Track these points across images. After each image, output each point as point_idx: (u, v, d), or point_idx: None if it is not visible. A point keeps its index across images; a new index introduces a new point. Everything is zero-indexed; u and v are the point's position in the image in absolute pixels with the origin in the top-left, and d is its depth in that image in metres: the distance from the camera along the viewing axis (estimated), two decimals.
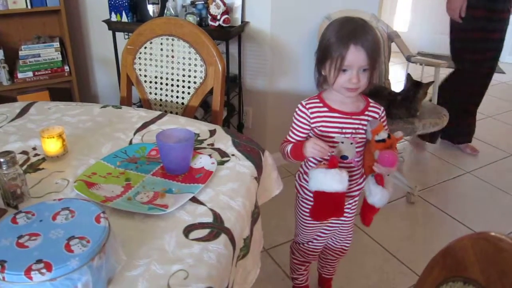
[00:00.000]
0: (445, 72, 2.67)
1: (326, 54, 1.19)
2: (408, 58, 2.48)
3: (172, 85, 1.71)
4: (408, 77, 2.28)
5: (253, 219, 1.05)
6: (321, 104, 1.27)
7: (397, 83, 2.63)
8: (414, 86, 2.21)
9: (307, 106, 1.27)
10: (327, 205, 1.26)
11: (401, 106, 2.20)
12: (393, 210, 2.34)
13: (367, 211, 1.32)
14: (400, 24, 5.33)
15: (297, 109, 1.29)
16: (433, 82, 2.31)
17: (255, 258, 1.09)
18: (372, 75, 1.20)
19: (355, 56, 1.14)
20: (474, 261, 0.55)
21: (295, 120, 1.30)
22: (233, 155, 1.18)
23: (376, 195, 1.25)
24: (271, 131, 2.58)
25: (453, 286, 0.58)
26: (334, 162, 1.22)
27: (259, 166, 1.17)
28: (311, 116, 1.26)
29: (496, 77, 4.66)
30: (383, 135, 1.22)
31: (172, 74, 1.70)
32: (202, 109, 2.36)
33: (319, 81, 1.28)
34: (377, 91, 2.24)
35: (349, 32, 1.16)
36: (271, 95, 2.52)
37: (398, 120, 2.18)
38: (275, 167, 1.29)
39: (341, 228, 1.50)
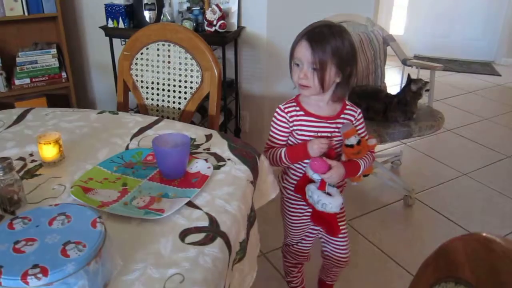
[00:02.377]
0: (440, 74, 2.67)
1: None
2: (404, 62, 2.49)
3: (168, 90, 1.72)
4: (408, 77, 2.27)
5: (249, 223, 1.06)
6: (298, 108, 1.30)
7: (393, 87, 2.64)
8: (408, 85, 2.22)
9: (286, 110, 1.30)
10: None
11: (397, 109, 2.21)
12: (390, 213, 2.34)
13: (328, 219, 1.31)
14: (396, 28, 5.36)
15: (276, 114, 1.32)
16: (428, 82, 2.32)
17: (251, 262, 1.10)
18: (323, 77, 1.20)
19: (303, 51, 1.20)
20: (465, 261, 0.55)
21: (275, 125, 1.32)
22: (229, 159, 1.19)
23: (318, 201, 1.25)
24: (268, 135, 2.58)
25: (445, 286, 0.59)
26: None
27: (255, 170, 1.17)
28: (290, 120, 1.29)
29: (492, 79, 4.71)
30: (353, 140, 1.24)
31: (169, 79, 1.71)
32: (199, 114, 2.37)
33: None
34: (375, 94, 2.25)
35: (308, 30, 1.22)
36: (267, 99, 2.53)
37: (395, 123, 2.19)
38: (271, 171, 1.29)
39: None
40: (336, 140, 1.30)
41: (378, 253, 2.03)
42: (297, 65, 1.23)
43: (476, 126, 3.52)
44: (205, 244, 0.86)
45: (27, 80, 2.51)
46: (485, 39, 5.17)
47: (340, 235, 1.47)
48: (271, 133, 1.34)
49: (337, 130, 1.29)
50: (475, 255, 0.54)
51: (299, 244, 1.52)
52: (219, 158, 1.19)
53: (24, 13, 2.41)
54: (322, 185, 1.26)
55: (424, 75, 2.44)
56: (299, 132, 1.29)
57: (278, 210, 1.51)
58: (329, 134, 1.28)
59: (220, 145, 1.27)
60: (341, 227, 1.44)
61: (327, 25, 1.23)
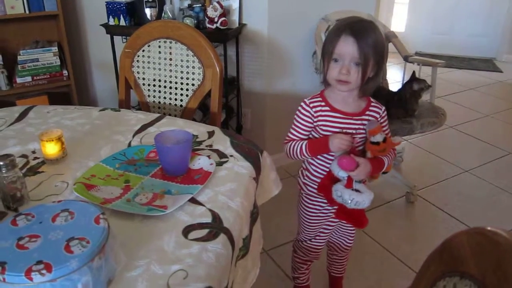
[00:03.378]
0: (442, 71, 2.65)
1: (324, 47, 1.22)
2: (406, 58, 2.49)
3: (170, 87, 1.72)
4: (413, 74, 2.26)
5: (252, 219, 1.06)
6: (323, 103, 1.28)
7: (395, 83, 2.63)
8: (410, 82, 2.21)
9: (311, 105, 1.28)
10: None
11: (399, 105, 2.21)
12: (392, 209, 2.34)
13: (357, 213, 1.33)
14: (398, 25, 5.35)
15: (300, 108, 1.30)
16: (430, 86, 2.31)
17: (254, 258, 1.10)
18: (365, 72, 1.20)
19: (345, 46, 1.17)
20: (470, 255, 0.55)
21: (298, 119, 1.31)
22: (231, 156, 1.19)
23: (346, 197, 1.25)
24: (270, 132, 2.58)
25: (450, 281, 0.59)
26: (351, 181, 1.24)
27: (257, 167, 1.17)
28: (315, 114, 1.28)
29: (493, 76, 4.70)
30: (378, 137, 1.23)
31: (170, 76, 1.71)
32: (201, 111, 2.36)
33: (325, 80, 1.29)
34: (376, 91, 2.23)
35: (345, 24, 1.19)
36: (269, 96, 2.52)
37: (396, 120, 2.19)
38: (273, 168, 1.29)
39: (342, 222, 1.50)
40: (360, 137, 1.29)
41: (380, 250, 2.03)
42: (335, 60, 1.20)
43: (478, 122, 3.51)
44: (208, 240, 0.86)
45: (29, 78, 2.50)
46: (486, 36, 5.15)
47: (351, 226, 1.53)
48: (294, 126, 1.32)
49: (361, 127, 1.28)
50: (480, 249, 0.54)
51: (312, 240, 1.53)
52: (221, 154, 1.19)
53: (25, 11, 2.40)
54: (349, 183, 1.26)
55: (426, 71, 2.44)
56: (323, 128, 1.27)
57: (281, 207, 1.51)
58: (353, 131, 1.27)
59: (222, 142, 1.26)
60: None
61: (363, 19, 1.23)
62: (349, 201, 1.24)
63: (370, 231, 2.13)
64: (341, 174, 1.25)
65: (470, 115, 3.62)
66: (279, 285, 1.82)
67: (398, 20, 5.38)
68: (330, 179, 1.31)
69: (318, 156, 1.33)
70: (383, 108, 1.33)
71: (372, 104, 1.31)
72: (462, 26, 5.17)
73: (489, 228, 0.55)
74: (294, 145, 1.31)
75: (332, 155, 1.29)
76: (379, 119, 1.30)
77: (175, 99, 1.72)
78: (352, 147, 1.24)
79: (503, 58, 5.15)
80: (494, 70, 4.90)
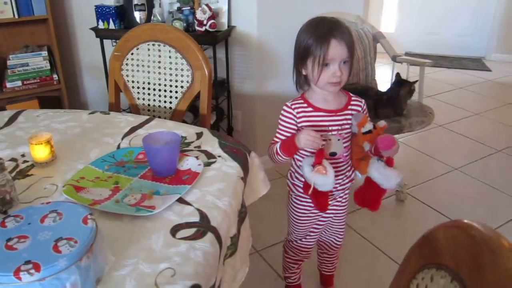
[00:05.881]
0: (431, 71, 2.68)
1: (307, 53, 1.23)
2: (394, 58, 2.51)
3: (159, 90, 1.73)
4: (397, 75, 2.30)
5: (240, 218, 1.07)
6: (305, 105, 1.30)
7: (384, 83, 2.66)
8: (398, 85, 2.25)
9: (293, 107, 1.30)
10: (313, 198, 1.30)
11: (387, 105, 2.23)
12: (383, 208, 2.33)
13: (378, 196, 1.35)
14: (388, 25, 5.39)
15: (283, 111, 1.32)
16: (417, 81, 2.34)
17: (243, 257, 1.11)
18: (351, 68, 1.25)
19: (337, 49, 1.20)
20: (446, 247, 0.57)
21: (281, 122, 1.33)
22: (219, 156, 1.20)
23: (392, 178, 1.27)
24: (260, 134, 2.60)
25: (428, 273, 0.60)
26: (320, 157, 1.24)
27: (245, 167, 1.19)
28: (298, 116, 1.30)
29: (482, 75, 4.75)
30: (368, 126, 1.26)
31: (160, 79, 1.72)
32: (192, 113, 2.38)
33: (299, 82, 1.33)
34: (364, 91, 2.26)
35: (327, 29, 1.22)
36: (259, 98, 2.54)
37: (385, 119, 2.21)
38: (261, 168, 1.31)
39: (333, 219, 1.53)
40: (346, 133, 1.32)
41: (371, 248, 2.05)
42: (326, 65, 1.22)
43: (467, 121, 3.55)
44: (196, 239, 0.87)
45: (19, 83, 2.50)
46: (475, 35, 5.22)
47: (341, 223, 1.55)
48: (278, 130, 1.34)
49: (346, 122, 1.31)
50: (455, 241, 0.56)
51: (303, 240, 1.55)
52: (209, 155, 1.21)
53: (14, 15, 2.40)
54: (391, 162, 1.29)
55: (414, 71, 2.47)
56: (309, 128, 1.30)
57: (271, 207, 1.52)
58: (339, 127, 1.30)
59: (210, 143, 1.28)
60: (342, 214, 1.53)
61: (335, 20, 1.26)
62: (387, 179, 1.28)
63: (360, 229, 2.15)
64: (309, 180, 1.25)
65: (459, 114, 3.66)
66: (271, 284, 1.84)
67: (388, 21, 5.43)
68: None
69: (304, 156, 1.34)
70: (363, 100, 1.37)
71: (353, 98, 1.35)
72: (451, 26, 5.22)
73: (464, 221, 0.57)
74: (273, 148, 1.33)
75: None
76: (361, 111, 1.34)
77: (165, 102, 1.73)
78: (319, 150, 1.25)
79: (492, 57, 5.21)
80: (483, 69, 4.95)
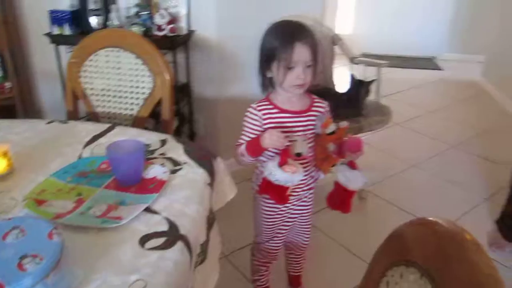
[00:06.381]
0: (387, 71, 2.76)
1: (272, 56, 1.25)
2: (352, 60, 2.58)
3: (120, 96, 1.70)
4: (352, 77, 2.36)
5: (208, 225, 1.07)
6: (271, 106, 1.32)
7: (342, 84, 2.72)
8: (356, 86, 2.30)
9: (258, 108, 1.32)
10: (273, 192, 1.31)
11: (347, 106, 2.28)
12: None
13: (347, 198, 1.37)
14: (345, 27, 5.51)
15: (248, 113, 1.33)
16: (375, 80, 2.41)
17: (213, 263, 1.11)
18: (315, 71, 1.27)
19: (301, 53, 1.22)
20: (413, 244, 0.59)
21: (247, 124, 1.34)
22: (185, 163, 1.19)
23: (357, 179, 1.31)
24: (224, 138, 2.60)
25: (397, 270, 0.62)
26: (285, 157, 1.25)
27: (211, 173, 1.18)
28: (263, 117, 1.31)
29: (434, 73, 4.93)
30: (332, 127, 1.30)
31: (120, 85, 1.69)
32: (153, 120, 2.34)
33: (264, 84, 1.34)
34: (324, 93, 2.29)
35: (291, 32, 1.24)
36: (221, 102, 2.54)
37: (345, 119, 2.25)
38: (227, 173, 1.31)
39: (299, 219, 1.54)
40: (310, 133, 1.34)
41: (337, 247, 2.09)
42: (291, 68, 1.24)
43: (422, 119, 3.68)
44: (165, 248, 0.86)
45: None
46: (427, 36, 5.43)
47: (307, 223, 1.57)
48: (243, 132, 1.35)
49: (310, 123, 1.33)
50: (422, 238, 0.58)
51: (270, 241, 1.55)
52: (175, 162, 1.19)
53: None
54: (354, 165, 1.32)
55: (371, 71, 2.53)
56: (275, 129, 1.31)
57: (237, 212, 1.52)
58: (303, 128, 1.32)
59: (175, 150, 1.27)
60: (308, 213, 1.54)
61: (299, 24, 1.29)
62: (351, 181, 1.32)
63: (325, 228, 2.19)
64: (274, 176, 1.26)
65: (415, 112, 3.79)
66: None
67: (344, 23, 5.54)
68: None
69: (269, 158, 1.35)
70: (326, 102, 1.40)
71: (316, 100, 1.38)
72: (405, 27, 5.41)
73: (429, 219, 0.59)
74: (239, 149, 1.34)
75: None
76: (324, 113, 1.37)
77: (125, 109, 1.70)
78: (284, 150, 1.26)
79: (443, 57, 5.44)
80: (435, 68, 5.15)
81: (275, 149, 1.29)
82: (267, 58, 1.27)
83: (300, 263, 1.74)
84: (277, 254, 1.61)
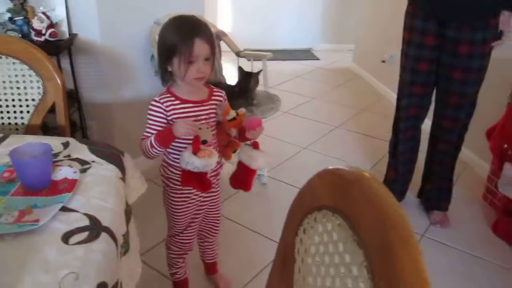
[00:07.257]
0: (269, 64, 2.93)
1: (173, 51, 1.30)
2: (238, 54, 2.70)
3: (7, 106, 1.60)
4: (240, 69, 2.48)
5: (127, 218, 1.09)
6: (173, 98, 1.37)
7: (231, 78, 2.84)
8: (246, 77, 2.43)
9: (162, 101, 1.36)
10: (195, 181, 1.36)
11: (239, 97, 2.39)
12: (249, 193, 2.50)
13: (249, 177, 1.46)
14: (223, 25, 5.65)
15: (151, 106, 1.37)
16: (261, 70, 2.56)
17: (135, 256, 1.13)
18: (213, 63, 1.36)
19: (200, 48, 1.29)
20: (322, 191, 0.69)
21: (151, 117, 1.37)
22: (93, 161, 1.19)
23: (259, 158, 1.42)
24: (120, 142, 2.54)
25: (311, 217, 0.72)
26: (197, 143, 1.31)
27: (121, 167, 1.19)
28: (167, 109, 1.35)
29: (312, 63, 5.30)
30: (232, 114, 1.40)
31: (5, 94, 1.59)
32: (41, 131, 2.22)
33: (165, 78, 1.39)
34: (215, 86, 2.38)
35: (190, 28, 1.30)
36: (114, 105, 2.49)
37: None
38: (137, 168, 1.32)
39: (209, 205, 1.61)
40: (212, 121, 1.42)
41: (246, 231, 2.19)
42: (191, 62, 1.29)
43: (307, 105, 3.96)
44: (91, 241, 0.87)
45: None
46: (303, 29, 5.85)
47: (217, 209, 1.65)
48: (148, 125, 1.37)
49: (212, 111, 1.41)
50: (329, 183, 0.68)
51: (184, 232, 1.59)
52: (82, 162, 1.18)
53: None
54: (257, 145, 1.43)
55: (257, 65, 2.68)
56: (179, 119, 1.35)
57: (144, 211, 1.53)
58: (206, 116, 1.40)
59: (80, 150, 1.25)
60: (217, 199, 1.62)
61: (197, 19, 1.34)
62: (254, 159, 1.40)
63: (232, 216, 2.28)
64: (192, 164, 1.31)
65: (300, 100, 4.06)
66: (157, 287, 1.85)
67: (223, 21, 5.69)
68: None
69: (176, 149, 1.40)
70: (223, 91, 1.50)
71: (214, 90, 1.47)
72: (282, 22, 5.75)
73: (334, 167, 0.69)
74: (146, 142, 1.36)
75: (187, 144, 1.37)
76: (223, 101, 1.46)
77: (15, 118, 1.61)
78: (198, 136, 1.32)
79: (318, 47, 5.88)
80: (313, 59, 5.54)
81: (185, 138, 1.34)
82: (167, 53, 1.32)
83: (214, 250, 1.80)
84: (191, 244, 1.65)
